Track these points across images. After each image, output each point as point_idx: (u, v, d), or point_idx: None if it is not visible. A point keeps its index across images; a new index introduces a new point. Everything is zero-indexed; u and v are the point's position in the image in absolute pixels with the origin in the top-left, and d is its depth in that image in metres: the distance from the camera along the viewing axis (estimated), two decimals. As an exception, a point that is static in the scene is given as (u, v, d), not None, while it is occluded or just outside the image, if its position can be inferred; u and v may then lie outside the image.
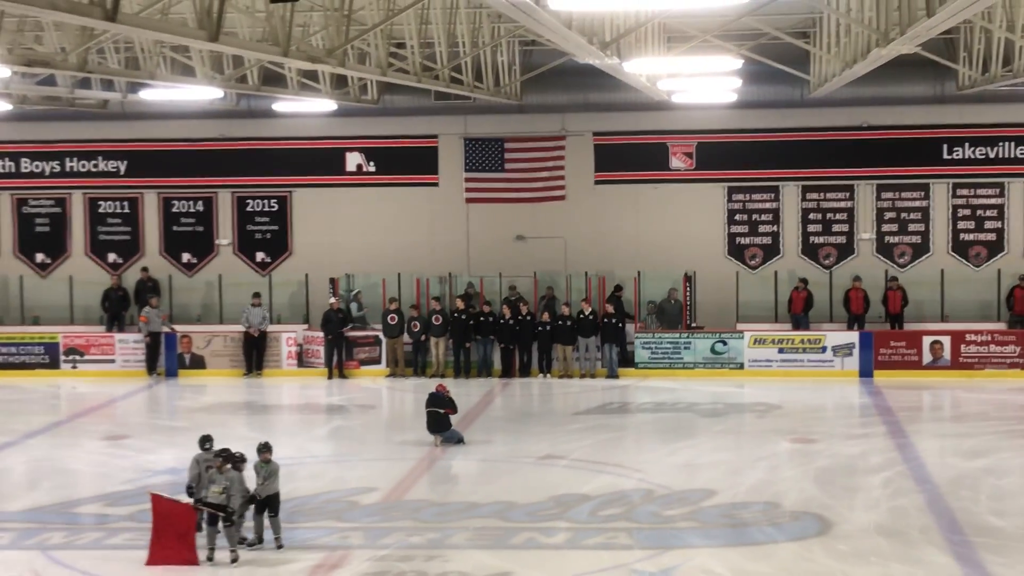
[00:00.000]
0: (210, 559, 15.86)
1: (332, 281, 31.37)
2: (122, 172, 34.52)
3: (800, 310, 30.55)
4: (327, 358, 30.37)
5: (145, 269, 33.39)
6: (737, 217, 32.94)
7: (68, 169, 34.64)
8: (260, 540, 16.38)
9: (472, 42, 25.20)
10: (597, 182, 33.19)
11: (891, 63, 20.48)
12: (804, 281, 30.89)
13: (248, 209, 34.28)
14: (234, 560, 15.86)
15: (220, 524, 15.89)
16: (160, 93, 25.50)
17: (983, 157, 32.06)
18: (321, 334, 30.47)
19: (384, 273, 31.70)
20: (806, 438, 23.00)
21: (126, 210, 34.61)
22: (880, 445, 22.43)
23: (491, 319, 30.01)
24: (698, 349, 29.79)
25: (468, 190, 33.45)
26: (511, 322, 29.83)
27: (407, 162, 33.69)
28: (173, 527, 15.91)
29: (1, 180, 34.76)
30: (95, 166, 34.58)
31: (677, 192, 33.00)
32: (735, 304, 31.49)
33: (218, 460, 16.19)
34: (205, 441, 16.97)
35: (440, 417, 22.41)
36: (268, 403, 28.31)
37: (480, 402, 27.14)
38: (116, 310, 32.56)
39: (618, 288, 30.71)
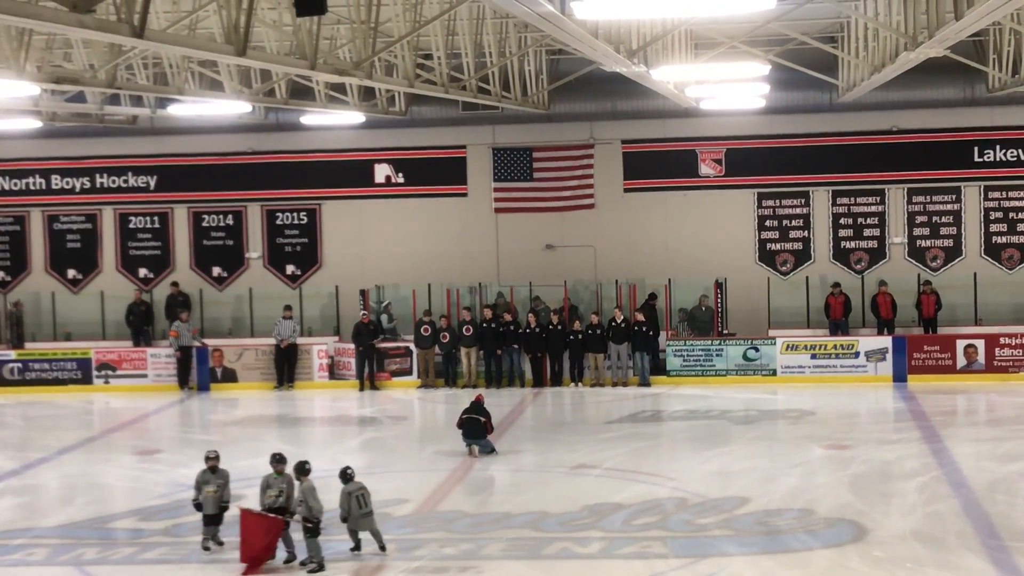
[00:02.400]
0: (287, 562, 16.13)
1: (362, 293, 31.38)
2: (152, 187, 34.67)
3: (840, 315, 30.29)
4: (358, 370, 30.39)
5: (175, 284, 33.51)
6: (767, 223, 32.83)
7: (98, 185, 34.80)
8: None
9: (499, 52, 25.20)
10: (626, 190, 33.14)
11: (920, 66, 20.38)
12: (837, 285, 30.64)
13: (278, 222, 34.37)
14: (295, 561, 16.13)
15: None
16: (189, 108, 25.55)
17: (1014, 159, 31.86)
18: (352, 346, 30.51)
19: (414, 284, 31.71)
20: (840, 444, 22.85)
21: (156, 225, 34.75)
22: (915, 450, 22.28)
23: (514, 328, 29.96)
24: (730, 356, 29.67)
25: (497, 200, 33.45)
26: (538, 331, 29.77)
27: (436, 173, 33.72)
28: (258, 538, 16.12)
29: (32, 197, 34.97)
30: (125, 182, 34.73)
31: (707, 199, 32.93)
32: (767, 310, 31.41)
33: (279, 465, 16.37)
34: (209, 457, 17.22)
35: (478, 424, 22.37)
36: (300, 415, 28.34)
37: (512, 412, 27.09)
38: (139, 324, 32.72)
39: (652, 296, 30.62)
